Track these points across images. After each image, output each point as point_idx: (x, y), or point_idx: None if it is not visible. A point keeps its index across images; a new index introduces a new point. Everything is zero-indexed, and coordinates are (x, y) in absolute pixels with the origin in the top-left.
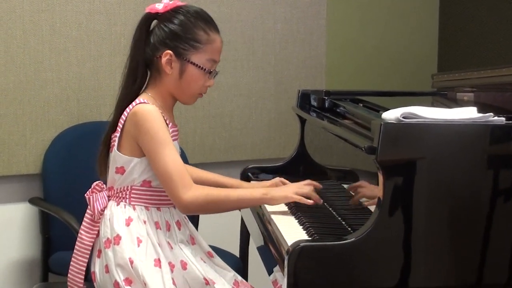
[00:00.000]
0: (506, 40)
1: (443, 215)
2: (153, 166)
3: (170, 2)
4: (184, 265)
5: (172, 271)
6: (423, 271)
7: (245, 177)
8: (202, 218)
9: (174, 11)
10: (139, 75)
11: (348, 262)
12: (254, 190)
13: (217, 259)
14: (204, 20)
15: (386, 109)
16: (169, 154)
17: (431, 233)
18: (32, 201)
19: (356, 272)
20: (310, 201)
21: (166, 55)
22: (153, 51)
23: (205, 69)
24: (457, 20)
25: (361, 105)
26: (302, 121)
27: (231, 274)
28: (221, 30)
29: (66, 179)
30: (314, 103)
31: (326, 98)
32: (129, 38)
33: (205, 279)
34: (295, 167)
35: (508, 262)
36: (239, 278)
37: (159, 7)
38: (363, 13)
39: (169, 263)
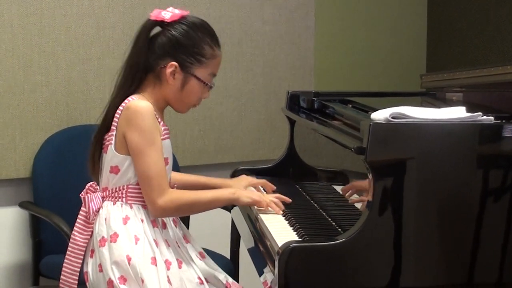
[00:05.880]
0: (494, 41)
1: (433, 214)
2: (135, 164)
3: (177, 12)
4: (179, 264)
5: (168, 268)
6: (413, 271)
7: None
8: (192, 220)
9: (180, 22)
10: (137, 79)
11: (338, 263)
12: (223, 190)
13: (209, 260)
14: (210, 35)
15: (375, 110)
16: (153, 156)
17: (421, 232)
18: (22, 205)
19: (347, 272)
20: (277, 208)
21: (172, 67)
22: (157, 59)
23: (206, 83)
24: (446, 20)
25: (350, 105)
26: (292, 122)
27: (222, 275)
28: None
29: (56, 182)
30: (303, 104)
31: (315, 99)
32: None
33: (199, 278)
34: (285, 169)
35: (498, 260)
36: (230, 280)
37: (166, 15)
38: (351, 14)
39: (166, 261)
